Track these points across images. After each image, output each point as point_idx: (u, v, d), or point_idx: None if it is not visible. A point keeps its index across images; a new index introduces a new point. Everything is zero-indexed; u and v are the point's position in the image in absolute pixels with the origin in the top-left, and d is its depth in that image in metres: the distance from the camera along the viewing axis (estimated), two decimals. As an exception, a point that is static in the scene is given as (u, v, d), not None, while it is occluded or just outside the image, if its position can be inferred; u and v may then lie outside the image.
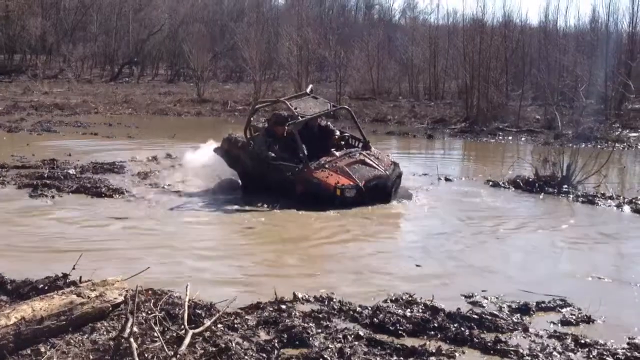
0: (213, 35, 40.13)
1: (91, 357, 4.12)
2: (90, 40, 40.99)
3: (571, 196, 10.45)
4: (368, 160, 9.79)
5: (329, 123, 10.89)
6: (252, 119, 10.91)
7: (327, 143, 10.18)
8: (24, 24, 38.11)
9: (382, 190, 9.45)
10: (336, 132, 10.51)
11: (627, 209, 9.71)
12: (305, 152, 9.57)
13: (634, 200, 10.04)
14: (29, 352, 4.17)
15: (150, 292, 5.37)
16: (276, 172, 9.47)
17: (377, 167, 9.69)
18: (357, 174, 9.40)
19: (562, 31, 32.92)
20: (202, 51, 32.17)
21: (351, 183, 9.21)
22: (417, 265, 6.68)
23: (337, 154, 9.90)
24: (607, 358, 4.52)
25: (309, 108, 10.37)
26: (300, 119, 10.01)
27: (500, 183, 11.37)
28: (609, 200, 10.14)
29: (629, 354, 4.56)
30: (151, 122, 21.78)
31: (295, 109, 10.19)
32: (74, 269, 5.41)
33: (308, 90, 11.29)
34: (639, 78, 25.63)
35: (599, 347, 4.66)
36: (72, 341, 4.35)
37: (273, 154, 9.70)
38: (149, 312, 4.74)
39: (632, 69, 24.34)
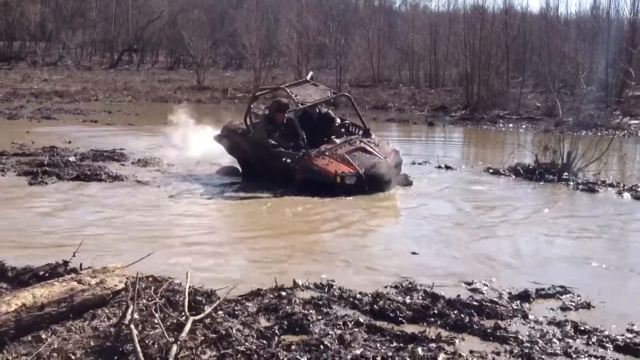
0: (213, 22, 40.02)
1: (92, 343, 4.13)
2: (89, 27, 40.89)
3: (571, 184, 10.45)
4: (368, 148, 9.75)
5: (329, 110, 10.86)
6: (252, 106, 10.86)
7: (327, 130, 10.18)
8: (23, 11, 38.00)
9: (382, 178, 9.41)
10: (336, 120, 10.51)
11: (627, 196, 9.71)
12: (305, 139, 9.56)
13: (634, 188, 10.04)
14: (29, 338, 4.18)
15: (150, 279, 5.37)
16: (276, 159, 9.46)
17: (377, 154, 9.65)
18: (357, 162, 9.36)
19: (563, 18, 32.90)
20: (201, 38, 32.08)
21: (351, 170, 9.19)
22: (414, 253, 6.68)
23: (337, 141, 9.85)
24: (607, 344, 4.52)
25: (309, 95, 10.33)
26: (300, 106, 9.98)
27: (501, 170, 11.37)
28: (610, 188, 10.14)
29: (628, 341, 4.56)
30: (151, 110, 21.76)
31: (296, 96, 10.15)
32: (74, 256, 5.41)
33: (308, 77, 11.26)
34: (639, 65, 25.56)
35: (598, 333, 4.67)
36: (72, 328, 4.37)
37: (273, 141, 9.68)
38: (150, 299, 4.75)
39: (633, 56, 24.27)
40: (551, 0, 41.06)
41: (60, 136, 13.97)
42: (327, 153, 9.49)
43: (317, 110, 10.48)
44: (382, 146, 10.02)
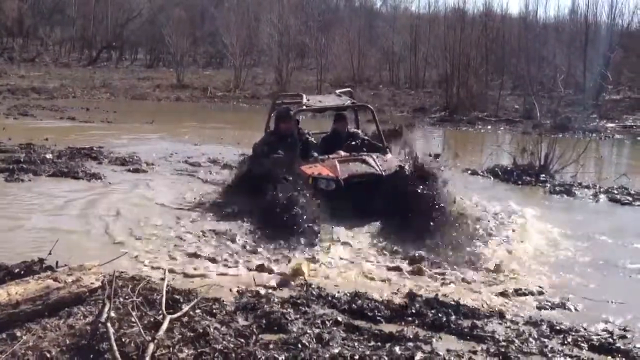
0: (193, 20, 39.88)
1: (68, 341, 4.08)
2: (68, 24, 40.51)
3: (548, 185, 10.55)
4: (369, 160, 8.45)
5: (358, 131, 9.61)
6: (272, 115, 9.73)
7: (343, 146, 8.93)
8: (0, 6, 37.50)
9: (365, 189, 7.94)
10: (360, 135, 9.37)
11: (603, 197, 9.83)
12: (317, 152, 8.69)
13: (609, 190, 10.17)
14: (4, 336, 4.12)
15: (128, 277, 5.33)
16: (277, 168, 8.25)
17: (374, 166, 8.31)
18: (344, 168, 8.18)
19: (542, 21, 33.19)
20: (181, 36, 31.95)
21: (329, 174, 8.01)
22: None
23: (342, 153, 8.70)
24: (582, 344, 4.57)
25: (323, 102, 9.52)
26: (305, 107, 9.26)
27: (479, 172, 11.45)
28: (586, 190, 10.26)
29: (603, 340, 4.62)
30: (130, 107, 21.61)
31: (308, 100, 9.34)
32: (50, 254, 5.36)
33: (338, 92, 10.45)
34: (616, 69, 25.94)
35: (573, 333, 4.72)
36: (48, 326, 4.31)
37: (266, 148, 8.70)
38: (127, 297, 4.71)
39: (610, 60, 24.58)
40: (530, 3, 41.38)
41: (37, 133, 13.79)
42: (319, 160, 8.47)
43: (346, 130, 9.37)
44: (388, 161, 8.58)
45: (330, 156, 8.51)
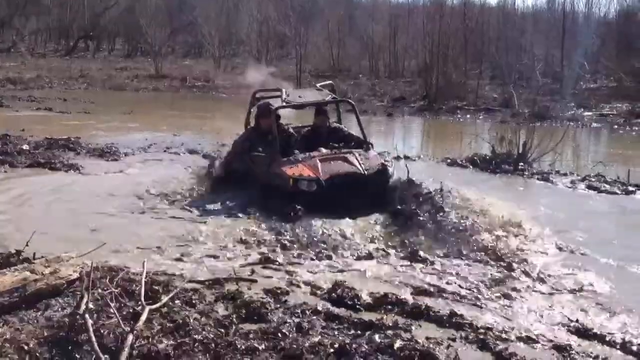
0: (171, 10, 39.49)
1: (46, 333, 4.05)
2: (44, 14, 39.94)
3: (526, 173, 10.64)
4: (351, 158, 8.18)
5: (342, 126, 9.33)
6: (252, 110, 9.48)
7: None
8: (-27, -4, 36.96)
9: (348, 189, 7.74)
10: (345, 131, 9.11)
11: (580, 185, 9.93)
12: (299, 148, 8.45)
13: (587, 177, 10.29)
14: (-20, 329, 4.09)
15: (106, 268, 5.28)
16: (258, 166, 8.27)
17: (356, 165, 8.06)
18: (325, 168, 7.91)
19: (520, 11, 33.40)
20: (159, 26, 31.71)
21: (311, 175, 7.77)
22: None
23: (324, 150, 8.40)
24: (559, 329, 4.62)
25: (304, 97, 9.24)
26: (285, 104, 8.86)
27: (458, 161, 11.52)
28: (563, 177, 10.38)
29: (579, 326, 4.67)
30: (108, 98, 21.43)
31: (288, 95, 9.04)
32: (27, 245, 5.30)
33: (318, 85, 10.13)
34: (594, 58, 26.17)
35: (551, 318, 4.77)
36: (25, 318, 4.28)
37: (247, 144, 8.55)
38: (105, 288, 4.67)
39: (587, 49, 24.79)
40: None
41: (14, 124, 13.63)
42: (300, 159, 8.15)
43: (327, 125, 9.10)
44: (372, 159, 8.32)
45: (312, 154, 8.26)
